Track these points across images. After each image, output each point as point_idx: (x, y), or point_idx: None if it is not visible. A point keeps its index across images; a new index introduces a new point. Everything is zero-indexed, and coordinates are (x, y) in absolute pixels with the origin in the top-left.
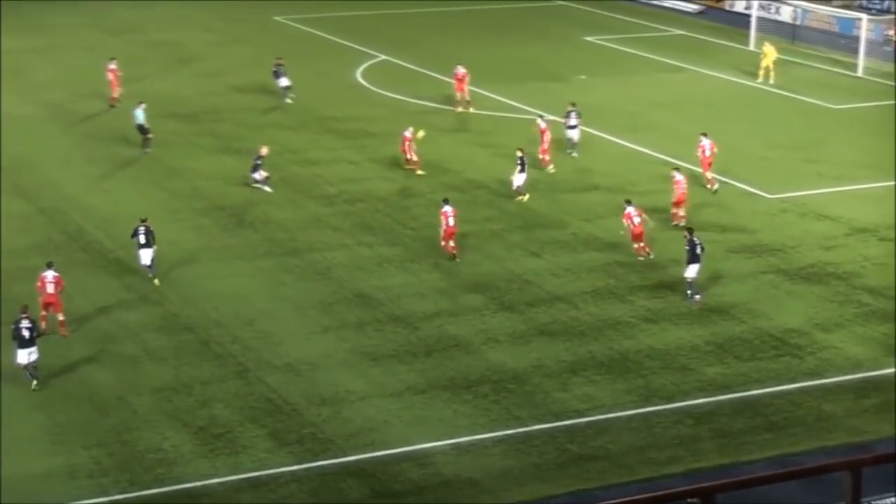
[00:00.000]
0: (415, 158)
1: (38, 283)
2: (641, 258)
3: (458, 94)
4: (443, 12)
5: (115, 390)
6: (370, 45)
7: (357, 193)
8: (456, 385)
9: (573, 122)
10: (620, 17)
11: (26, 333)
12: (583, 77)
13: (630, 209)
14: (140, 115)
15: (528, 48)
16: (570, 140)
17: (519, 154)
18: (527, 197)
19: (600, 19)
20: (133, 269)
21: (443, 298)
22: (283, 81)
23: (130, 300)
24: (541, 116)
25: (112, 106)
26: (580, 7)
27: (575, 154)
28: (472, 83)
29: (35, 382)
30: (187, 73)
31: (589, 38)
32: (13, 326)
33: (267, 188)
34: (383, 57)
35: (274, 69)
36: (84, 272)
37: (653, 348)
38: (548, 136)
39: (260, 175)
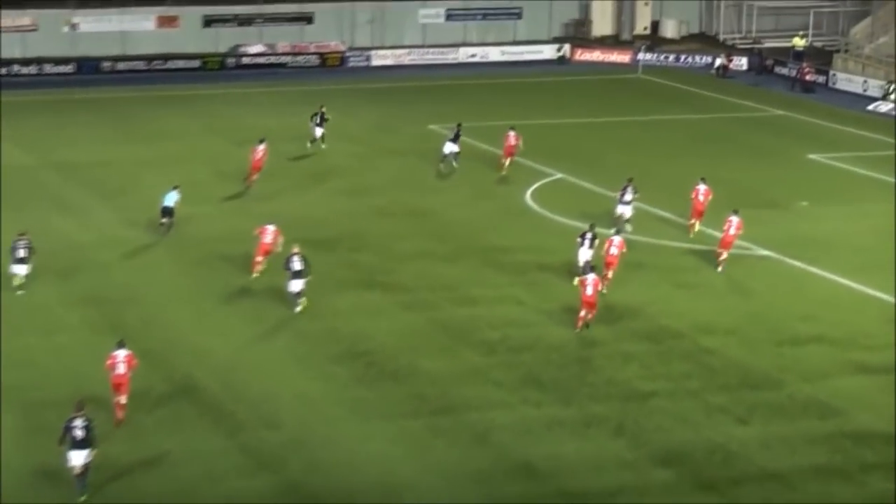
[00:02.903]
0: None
1: (109, 363)
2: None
3: (506, 159)
4: (637, 122)
5: None
6: (544, 161)
7: (524, 341)
8: None
9: (628, 196)
10: (852, 130)
11: (80, 433)
12: (805, 203)
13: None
14: (173, 197)
15: (738, 167)
16: (621, 216)
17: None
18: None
19: (828, 133)
20: (251, 425)
21: (626, 472)
22: (318, 131)
23: (246, 466)
24: None
25: (248, 182)
26: (803, 118)
27: (629, 227)
28: (664, 206)
29: (83, 496)
30: (325, 191)
31: (813, 156)
32: (63, 426)
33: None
34: (559, 175)
35: (317, 114)
36: (192, 429)
37: None
38: None
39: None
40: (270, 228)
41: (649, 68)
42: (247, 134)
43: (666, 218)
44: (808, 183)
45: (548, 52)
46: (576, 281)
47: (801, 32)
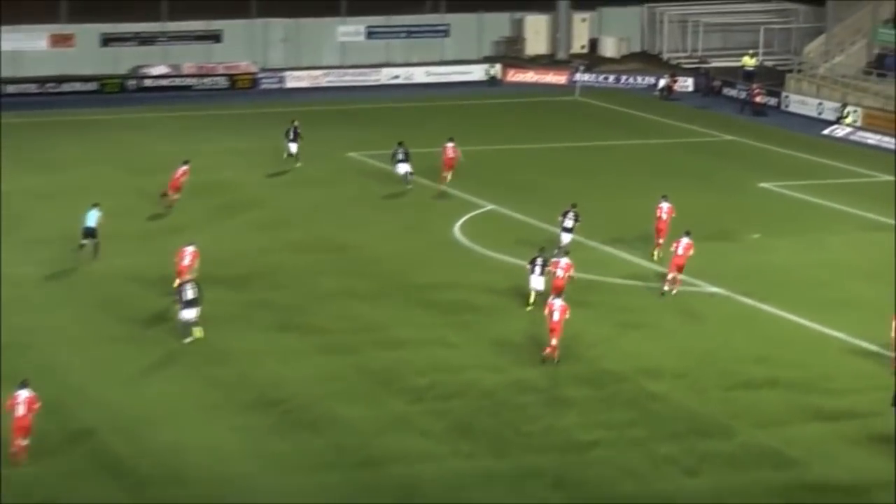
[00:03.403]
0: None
1: (8, 403)
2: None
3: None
4: (574, 149)
5: None
6: (474, 191)
7: (454, 386)
8: None
9: (569, 223)
10: (807, 156)
11: None
12: (756, 236)
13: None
14: (94, 216)
15: (684, 196)
16: (561, 243)
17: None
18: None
19: (781, 159)
20: (155, 481)
21: None
22: (293, 146)
23: None
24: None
25: (165, 201)
26: (754, 144)
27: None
28: (604, 239)
29: None
30: (236, 224)
31: (765, 185)
32: None
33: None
34: (490, 206)
35: (290, 129)
36: (90, 484)
37: None
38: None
39: None
40: (189, 250)
41: (587, 90)
42: (150, 162)
43: (607, 252)
44: (759, 213)
45: (477, 72)
46: (529, 308)
47: (750, 51)
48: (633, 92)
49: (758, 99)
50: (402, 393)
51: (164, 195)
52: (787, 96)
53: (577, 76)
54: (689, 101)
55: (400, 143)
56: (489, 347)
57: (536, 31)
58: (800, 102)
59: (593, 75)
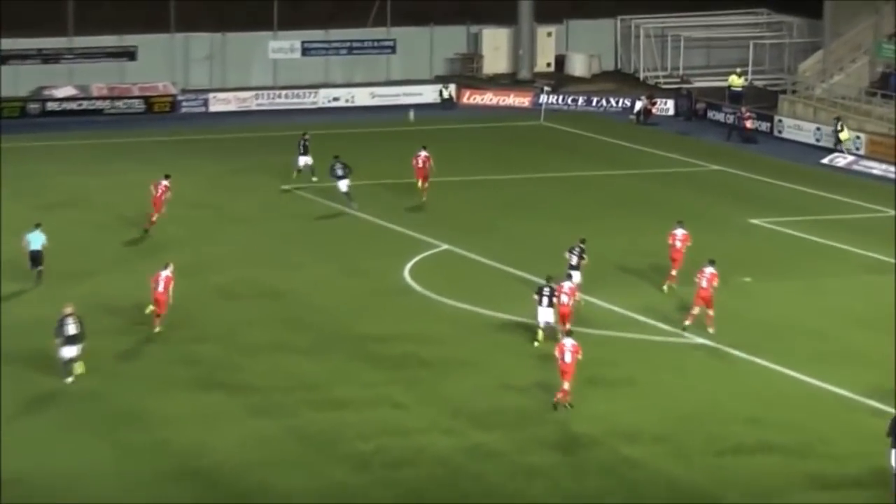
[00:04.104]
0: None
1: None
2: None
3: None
4: (539, 181)
5: None
6: (425, 229)
7: (404, 453)
8: None
9: (574, 261)
10: (803, 188)
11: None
12: (747, 279)
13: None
14: (39, 239)
15: (664, 234)
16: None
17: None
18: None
19: (774, 192)
20: None
21: None
22: (302, 160)
23: None
24: None
25: (146, 230)
26: (744, 174)
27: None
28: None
29: None
30: (155, 267)
31: (756, 221)
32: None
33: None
34: (444, 246)
35: (300, 142)
36: None
37: None
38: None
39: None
40: (164, 274)
41: (554, 113)
42: (56, 196)
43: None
44: (750, 254)
45: (429, 93)
46: (537, 343)
47: (738, 69)
48: (606, 116)
49: (747, 124)
50: (345, 460)
51: (150, 219)
52: (780, 120)
53: (542, 98)
54: (670, 126)
55: (336, 157)
56: (443, 408)
57: (496, 47)
58: (794, 128)
59: (560, 97)
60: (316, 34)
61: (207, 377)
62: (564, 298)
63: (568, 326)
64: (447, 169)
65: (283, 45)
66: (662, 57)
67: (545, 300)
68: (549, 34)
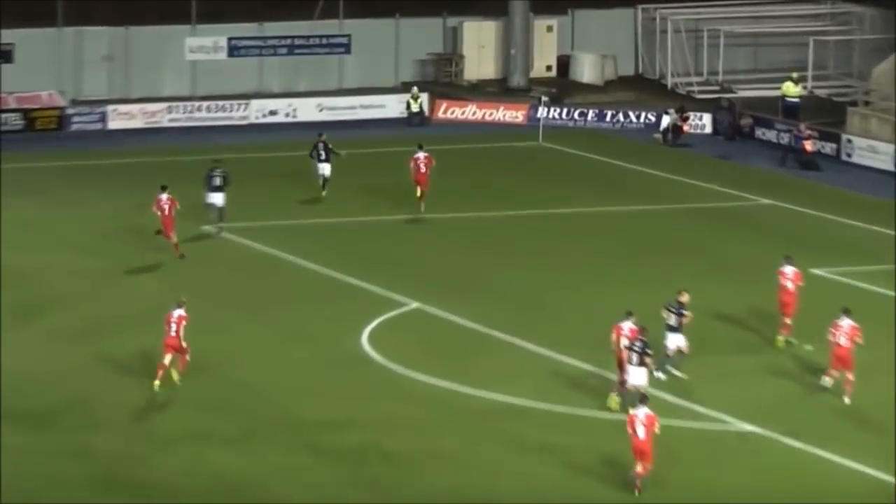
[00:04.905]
0: None
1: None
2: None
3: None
4: (535, 218)
5: None
6: (389, 282)
7: None
8: None
9: (673, 320)
10: (879, 229)
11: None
12: (809, 348)
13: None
14: None
15: (700, 288)
16: (668, 351)
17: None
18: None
19: (842, 233)
20: None
21: None
22: (326, 168)
23: None
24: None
25: (181, 255)
26: (802, 210)
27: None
28: (579, 353)
29: None
30: (35, 333)
31: (819, 271)
32: None
33: None
34: (413, 304)
35: (317, 147)
36: None
37: None
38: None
39: None
40: (177, 314)
41: (556, 131)
42: None
43: (579, 369)
44: (811, 313)
45: (393, 106)
46: (612, 402)
47: (794, 75)
48: (623, 134)
49: (807, 145)
50: None
51: (168, 238)
52: (848, 141)
53: (541, 112)
54: (706, 148)
55: (217, 162)
56: None
57: (481, 45)
58: (867, 150)
59: (564, 110)
60: (247, 29)
61: (105, 475)
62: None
63: (644, 386)
64: (412, 205)
65: (203, 43)
66: (696, 58)
67: (635, 356)
68: (550, 28)
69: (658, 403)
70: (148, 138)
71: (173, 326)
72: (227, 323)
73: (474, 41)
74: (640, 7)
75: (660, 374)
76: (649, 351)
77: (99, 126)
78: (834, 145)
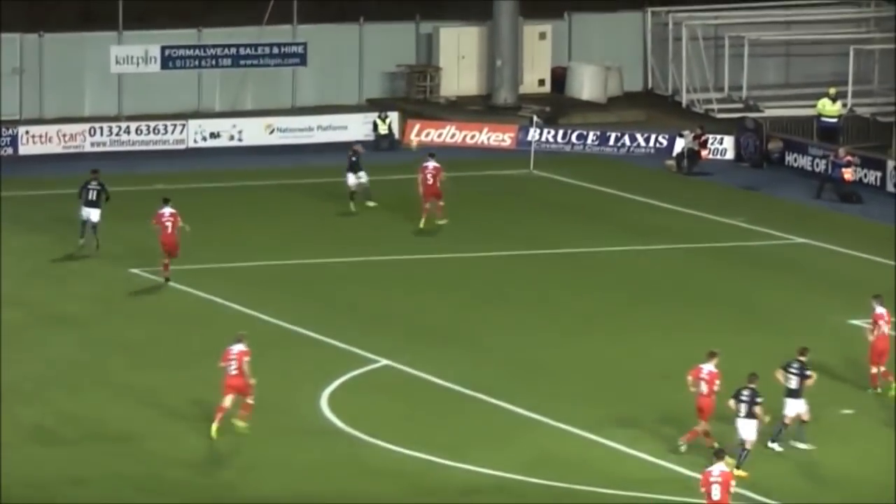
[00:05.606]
0: None
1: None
2: None
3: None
4: (528, 260)
5: None
6: (354, 337)
7: None
8: None
9: (794, 383)
10: None
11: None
12: (848, 412)
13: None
14: None
15: (726, 342)
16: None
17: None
18: None
19: (886, 278)
20: None
21: None
22: (361, 177)
23: None
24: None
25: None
26: (841, 251)
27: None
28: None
29: None
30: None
31: (860, 322)
32: None
33: None
34: (382, 361)
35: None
36: None
37: None
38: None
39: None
40: (237, 349)
41: (549, 157)
42: None
43: (585, 439)
44: (850, 370)
45: (357, 127)
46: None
47: (832, 90)
48: (630, 161)
49: (846, 173)
50: None
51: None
52: (895, 168)
53: (532, 134)
54: (728, 177)
55: (95, 173)
56: None
57: (461, 56)
58: None
59: (560, 132)
60: (183, 36)
61: None
62: (703, 388)
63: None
64: (386, 246)
65: (132, 53)
66: (716, 71)
67: (743, 407)
68: (543, 35)
69: (667, 474)
70: (66, 165)
71: (233, 363)
72: (149, 385)
73: (453, 51)
74: (649, 10)
75: (774, 446)
76: (759, 399)
77: (8, 151)
78: (878, 173)
